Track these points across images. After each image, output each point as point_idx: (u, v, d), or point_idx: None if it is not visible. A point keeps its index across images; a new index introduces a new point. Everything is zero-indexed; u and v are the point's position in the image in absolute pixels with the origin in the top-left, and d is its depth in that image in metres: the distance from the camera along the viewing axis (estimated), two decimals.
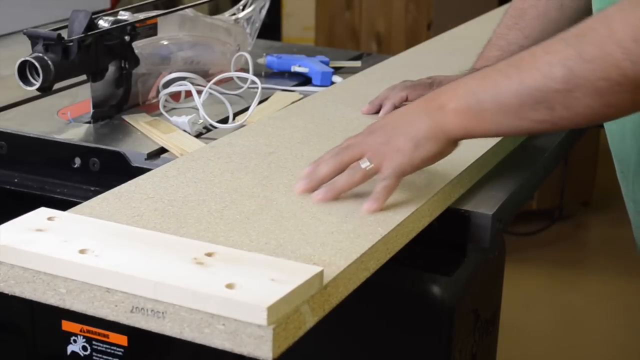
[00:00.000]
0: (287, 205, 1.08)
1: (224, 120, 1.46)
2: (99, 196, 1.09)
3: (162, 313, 0.87)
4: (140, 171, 1.31)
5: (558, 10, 1.41)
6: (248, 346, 0.83)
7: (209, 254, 0.91)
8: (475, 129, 1.05)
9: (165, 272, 0.88)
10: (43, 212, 1.01)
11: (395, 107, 1.40)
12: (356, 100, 1.47)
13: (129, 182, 1.14)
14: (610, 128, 1.29)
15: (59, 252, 0.92)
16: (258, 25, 1.82)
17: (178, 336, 0.87)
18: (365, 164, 1.07)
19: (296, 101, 1.57)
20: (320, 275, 0.89)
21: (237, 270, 0.88)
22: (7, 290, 0.94)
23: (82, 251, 0.91)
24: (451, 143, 1.07)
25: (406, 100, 1.41)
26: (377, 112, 1.42)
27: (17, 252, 0.93)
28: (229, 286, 0.85)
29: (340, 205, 1.07)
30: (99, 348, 1.35)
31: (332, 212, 1.05)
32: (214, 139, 1.38)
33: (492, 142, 1.29)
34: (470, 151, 1.24)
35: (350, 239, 0.99)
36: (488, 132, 1.07)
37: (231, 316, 0.83)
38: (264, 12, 1.82)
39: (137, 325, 0.88)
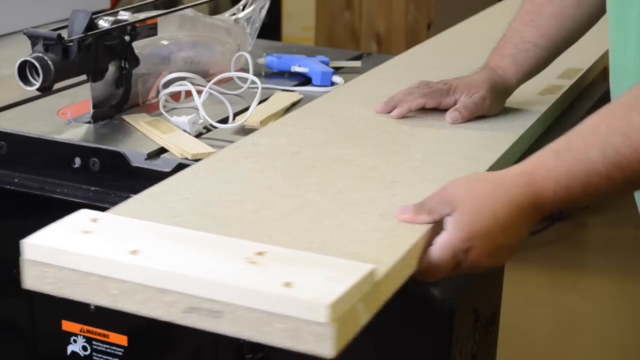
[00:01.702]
0: (323, 204, 1.08)
1: (224, 120, 1.46)
2: (134, 197, 1.08)
3: (219, 313, 0.86)
4: (140, 171, 1.31)
5: (575, 6, 1.38)
6: (309, 344, 0.84)
7: (260, 253, 0.92)
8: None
9: (221, 272, 0.88)
10: (86, 213, 1.00)
11: (411, 111, 1.39)
12: (370, 99, 1.47)
13: (161, 182, 1.13)
14: None
15: (110, 253, 0.91)
16: (258, 25, 1.82)
17: (235, 335, 0.87)
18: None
19: (296, 101, 1.57)
20: (373, 272, 0.90)
21: (292, 269, 0.89)
22: (56, 292, 0.93)
23: (133, 252, 0.91)
24: None
25: (424, 107, 1.40)
26: (390, 111, 1.40)
27: (66, 254, 0.92)
28: (287, 285, 0.85)
29: (377, 203, 1.08)
30: (99, 348, 1.36)
31: (368, 211, 1.05)
32: (214, 139, 1.38)
33: (504, 148, 1.29)
34: (484, 160, 1.24)
35: (391, 236, 0.99)
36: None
37: (291, 314, 0.84)
38: (264, 12, 1.82)
39: (192, 325, 0.88)
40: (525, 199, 1.00)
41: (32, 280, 0.95)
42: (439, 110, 1.40)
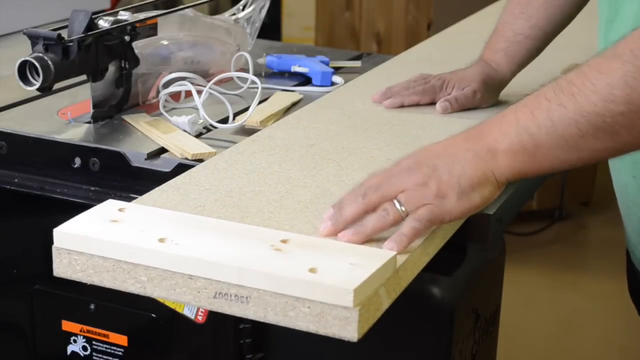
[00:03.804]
0: (341, 194, 1.10)
1: (224, 120, 1.46)
2: (157, 189, 1.12)
3: (246, 298, 0.90)
4: (140, 171, 1.31)
5: None
6: (333, 327, 0.87)
7: (284, 241, 0.95)
8: (530, 168, 0.96)
9: (247, 258, 0.91)
10: (113, 204, 1.03)
11: (404, 105, 1.43)
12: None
13: (183, 174, 1.17)
14: None
15: (139, 241, 0.95)
16: (258, 25, 1.81)
17: (262, 320, 0.90)
18: (398, 207, 0.96)
19: (296, 101, 1.57)
20: (394, 259, 0.94)
21: (316, 256, 0.92)
22: (86, 279, 0.97)
23: (161, 240, 0.94)
24: (499, 187, 0.98)
25: (417, 104, 1.44)
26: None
27: (97, 242, 0.95)
28: (312, 270, 0.89)
29: None
30: (99, 348, 1.36)
31: None
32: (214, 139, 1.38)
33: None
34: None
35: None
36: (544, 170, 0.97)
37: (317, 299, 0.87)
38: (264, 12, 1.82)
39: (220, 310, 0.91)
40: (464, 131, 1.00)
41: (62, 267, 0.97)
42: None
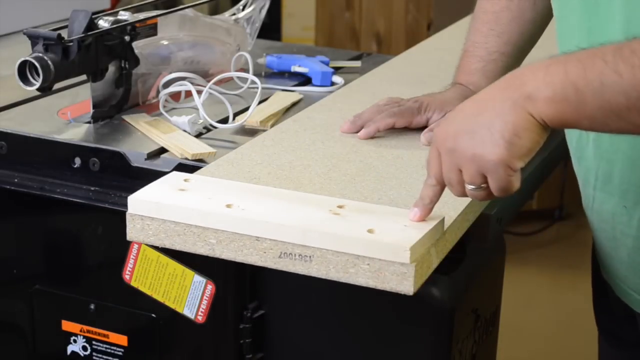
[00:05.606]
0: (384, 168, 1.20)
1: (224, 120, 1.46)
2: (213, 163, 1.20)
3: (310, 257, 0.97)
4: (140, 171, 1.31)
5: (532, 9, 1.37)
6: (391, 282, 0.94)
7: (340, 206, 1.03)
8: (570, 118, 0.92)
9: (309, 221, 0.99)
10: (178, 175, 1.12)
11: (379, 131, 1.33)
12: (405, 79, 1.61)
13: (234, 150, 1.25)
14: (616, 158, 1.15)
15: (208, 206, 1.02)
16: (258, 25, 1.82)
17: (323, 277, 0.97)
18: (471, 187, 0.97)
19: (296, 101, 1.58)
20: (442, 222, 1.01)
21: (372, 218, 1.00)
22: (157, 242, 1.03)
23: (228, 205, 1.02)
24: (544, 129, 0.94)
25: (393, 126, 1.34)
26: (357, 132, 1.33)
27: (168, 207, 1.03)
28: (370, 231, 0.96)
29: None
30: (99, 348, 1.36)
31: (426, 173, 1.11)
32: (214, 139, 1.38)
33: None
34: None
35: (450, 194, 1.04)
36: (583, 124, 0.94)
37: (376, 256, 0.94)
38: (264, 12, 1.82)
39: (284, 269, 0.98)
40: (503, 78, 0.97)
41: (135, 232, 1.05)
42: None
